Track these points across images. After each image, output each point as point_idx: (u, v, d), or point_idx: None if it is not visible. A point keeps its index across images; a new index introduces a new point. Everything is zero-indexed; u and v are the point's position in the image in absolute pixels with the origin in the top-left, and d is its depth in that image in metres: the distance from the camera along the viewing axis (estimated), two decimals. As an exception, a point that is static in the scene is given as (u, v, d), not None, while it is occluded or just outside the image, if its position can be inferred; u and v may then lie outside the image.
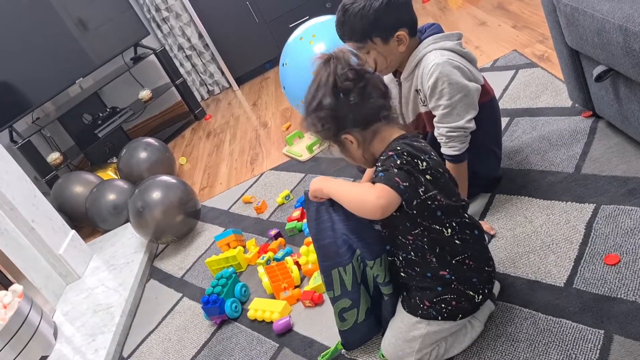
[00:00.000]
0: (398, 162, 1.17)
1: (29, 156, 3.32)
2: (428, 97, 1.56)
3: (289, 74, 2.53)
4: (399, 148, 1.19)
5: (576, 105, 1.91)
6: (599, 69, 1.51)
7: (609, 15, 1.34)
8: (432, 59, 1.52)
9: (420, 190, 1.19)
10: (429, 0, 3.89)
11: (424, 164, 1.20)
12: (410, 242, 1.27)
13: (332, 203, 1.31)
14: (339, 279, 1.35)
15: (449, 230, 1.25)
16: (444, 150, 1.57)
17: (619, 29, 1.31)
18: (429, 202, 1.21)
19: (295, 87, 2.50)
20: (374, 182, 1.19)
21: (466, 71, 1.53)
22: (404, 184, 1.16)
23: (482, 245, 1.31)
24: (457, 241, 1.26)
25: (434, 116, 1.57)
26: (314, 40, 2.44)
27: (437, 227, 1.25)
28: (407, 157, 1.18)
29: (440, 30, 1.61)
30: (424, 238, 1.25)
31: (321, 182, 1.31)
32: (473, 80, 1.54)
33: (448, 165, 1.58)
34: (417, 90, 1.62)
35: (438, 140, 1.59)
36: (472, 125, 1.55)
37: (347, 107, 1.22)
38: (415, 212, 1.21)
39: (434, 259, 1.27)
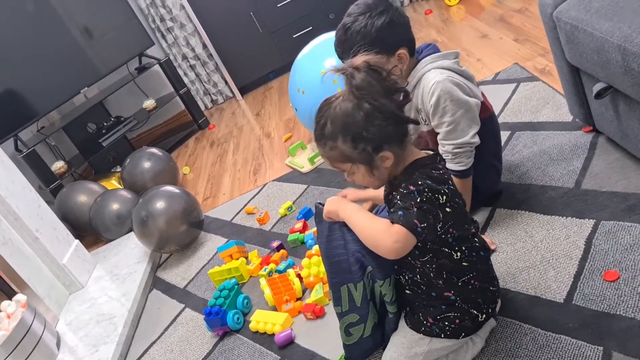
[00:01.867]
0: (418, 199, 1.16)
1: (34, 165, 3.34)
2: (431, 116, 1.57)
3: (307, 103, 2.49)
4: (420, 183, 1.18)
5: (577, 120, 1.92)
6: (598, 86, 1.52)
7: (608, 35, 1.36)
8: (432, 77, 1.54)
9: (438, 226, 1.20)
10: (432, 12, 3.92)
11: (444, 197, 1.19)
12: (419, 266, 1.28)
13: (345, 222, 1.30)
14: (347, 295, 1.34)
15: (458, 254, 1.26)
16: (450, 166, 1.58)
17: (617, 48, 1.33)
18: (443, 236, 1.23)
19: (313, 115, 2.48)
20: (392, 221, 1.17)
21: (465, 88, 1.55)
22: (422, 225, 1.15)
23: (488, 265, 1.33)
24: (464, 263, 1.27)
25: (437, 134, 1.59)
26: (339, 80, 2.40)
27: (447, 251, 1.25)
28: (427, 193, 1.17)
29: (437, 50, 1.63)
30: (432, 264, 1.26)
31: (337, 205, 1.29)
32: (473, 96, 1.56)
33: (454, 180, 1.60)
34: (417, 110, 1.63)
35: (444, 157, 1.60)
36: (477, 140, 1.57)
37: (388, 121, 1.18)
38: (428, 245, 1.23)
39: (440, 282, 1.28)
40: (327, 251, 1.33)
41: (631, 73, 1.31)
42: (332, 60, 2.45)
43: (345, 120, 1.19)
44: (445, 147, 1.57)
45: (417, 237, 1.16)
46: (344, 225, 1.30)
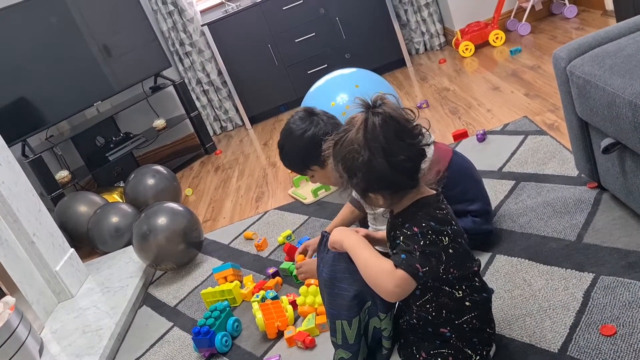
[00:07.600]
0: (421, 242, 1.16)
1: (38, 171, 3.35)
2: None
3: None
4: (424, 224, 1.18)
5: (582, 175, 1.93)
6: (606, 141, 1.54)
7: (620, 91, 1.39)
8: None
9: (441, 268, 1.19)
10: (446, 61, 3.99)
11: (447, 239, 1.19)
12: (415, 310, 1.28)
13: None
14: (341, 330, 1.34)
15: (460, 292, 1.26)
16: None
17: (628, 104, 1.35)
18: (444, 276, 1.22)
19: None
20: (395, 264, 1.16)
21: None
22: (424, 269, 1.15)
23: (489, 307, 1.32)
24: (467, 302, 1.27)
25: None
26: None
27: (447, 289, 1.25)
28: (431, 236, 1.17)
29: None
30: (432, 303, 1.26)
31: (342, 235, 1.28)
32: None
33: None
34: None
35: None
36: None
37: (386, 171, 1.16)
38: (429, 283, 1.23)
39: (439, 320, 1.27)
40: (329, 281, 1.32)
41: (640, 129, 1.33)
42: (344, 95, 2.50)
43: (348, 153, 1.19)
44: None
45: (417, 282, 1.16)
46: (350, 259, 1.27)
